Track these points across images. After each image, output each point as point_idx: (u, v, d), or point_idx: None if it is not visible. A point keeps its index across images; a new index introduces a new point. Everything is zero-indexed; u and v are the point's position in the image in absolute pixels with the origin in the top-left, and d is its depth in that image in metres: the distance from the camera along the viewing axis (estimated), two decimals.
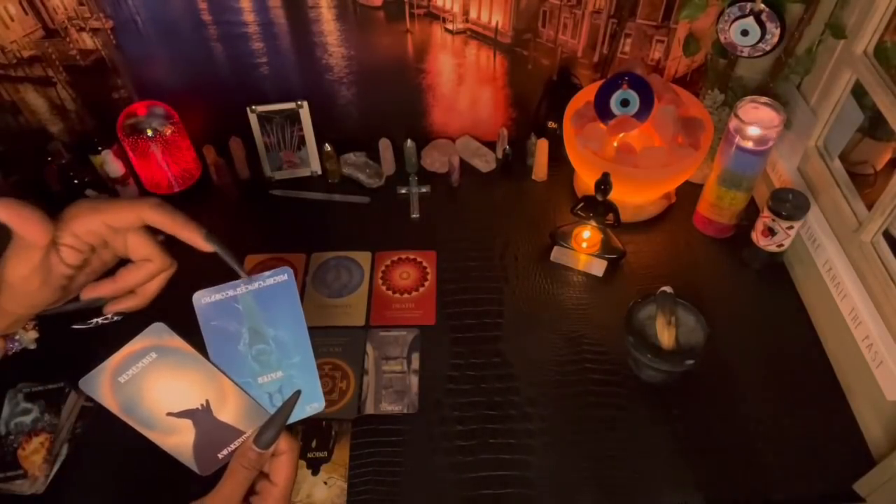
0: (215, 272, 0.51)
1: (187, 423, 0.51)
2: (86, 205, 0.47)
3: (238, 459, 0.50)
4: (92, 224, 0.47)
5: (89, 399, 0.87)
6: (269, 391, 0.53)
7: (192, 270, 0.53)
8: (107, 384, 0.48)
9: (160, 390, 0.50)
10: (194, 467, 0.52)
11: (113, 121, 1.06)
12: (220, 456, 0.52)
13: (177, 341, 0.49)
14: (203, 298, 0.50)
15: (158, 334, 0.49)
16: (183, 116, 1.09)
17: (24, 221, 0.44)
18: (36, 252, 0.45)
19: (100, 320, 0.88)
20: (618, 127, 1.00)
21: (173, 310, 0.51)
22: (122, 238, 0.50)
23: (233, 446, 0.52)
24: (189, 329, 0.50)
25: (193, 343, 0.50)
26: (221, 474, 0.51)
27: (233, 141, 1.12)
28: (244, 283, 0.51)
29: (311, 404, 0.54)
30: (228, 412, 0.52)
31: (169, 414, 0.50)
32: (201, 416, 0.51)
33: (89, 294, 0.51)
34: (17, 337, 0.55)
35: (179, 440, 0.51)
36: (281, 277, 0.52)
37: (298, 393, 0.52)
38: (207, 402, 0.51)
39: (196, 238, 0.49)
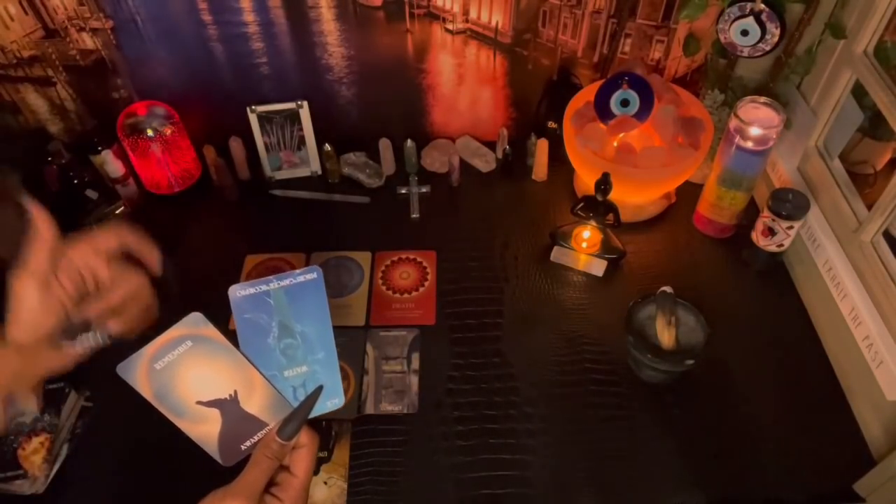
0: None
1: (215, 413, 0.53)
2: (75, 238, 0.57)
3: (261, 450, 0.52)
4: (81, 249, 0.55)
5: (89, 399, 0.87)
6: (294, 385, 0.55)
7: (226, 270, 0.57)
8: (143, 370, 0.51)
9: (192, 378, 0.52)
10: (218, 457, 0.53)
11: (113, 121, 1.06)
12: (242, 447, 0.54)
13: (212, 331, 0.52)
14: (238, 291, 0.53)
15: (195, 323, 0.51)
16: (183, 116, 1.09)
17: (41, 215, 0.53)
18: (44, 252, 0.53)
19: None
20: (618, 127, 1.00)
21: (210, 302, 0.53)
22: (103, 266, 0.57)
23: (255, 438, 0.54)
24: (222, 322, 0.53)
25: (226, 335, 0.52)
26: (241, 467, 0.52)
27: (233, 141, 1.12)
28: (276, 280, 0.54)
29: (332, 400, 0.56)
30: (255, 403, 0.54)
31: (199, 402, 0.52)
32: (229, 406, 0.53)
33: (81, 311, 0.56)
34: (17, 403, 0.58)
35: (206, 429, 0.53)
36: (310, 276, 0.54)
37: (321, 388, 0.55)
38: (236, 392, 0.53)
39: (152, 260, 0.59)
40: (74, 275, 0.56)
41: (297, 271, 0.54)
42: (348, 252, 1.05)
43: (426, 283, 1.00)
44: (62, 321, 0.55)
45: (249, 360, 0.53)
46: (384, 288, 1.00)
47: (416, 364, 0.91)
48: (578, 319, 0.95)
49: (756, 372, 0.89)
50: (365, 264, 1.03)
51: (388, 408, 0.86)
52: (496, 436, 0.83)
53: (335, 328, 0.93)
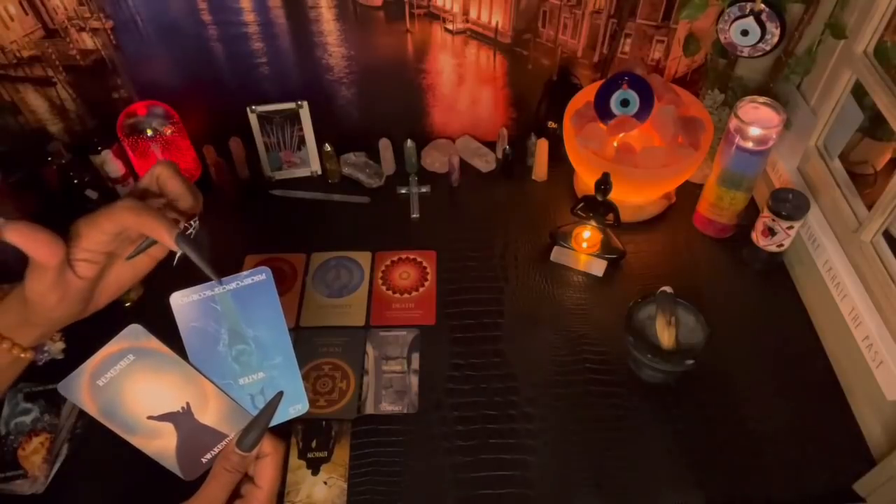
0: (193, 274, 0.51)
1: (169, 427, 0.50)
2: (83, 222, 0.49)
3: (221, 462, 0.50)
4: (97, 236, 0.49)
5: None
6: (251, 392, 0.52)
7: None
8: (85, 388, 0.48)
9: (139, 393, 0.50)
10: (178, 472, 0.51)
11: (113, 121, 1.06)
12: (203, 460, 0.52)
13: (154, 343, 0.49)
14: (181, 299, 0.50)
15: (135, 336, 0.49)
16: (183, 116, 1.09)
17: (34, 244, 0.46)
18: (49, 271, 0.47)
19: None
20: (618, 127, 1.00)
21: (150, 312, 0.51)
22: (135, 229, 0.50)
23: (216, 450, 0.52)
24: (167, 331, 0.50)
25: (172, 345, 0.50)
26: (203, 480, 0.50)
27: (233, 141, 1.12)
28: (223, 283, 0.51)
29: (295, 406, 0.54)
30: (210, 415, 0.51)
31: (150, 417, 0.50)
32: (183, 420, 0.50)
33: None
34: (45, 348, 0.55)
35: (162, 444, 0.51)
36: (259, 277, 0.51)
37: (281, 394, 0.52)
38: (188, 404, 0.51)
39: (166, 236, 0.49)
40: (96, 259, 0.50)
41: (244, 273, 0.51)
42: (348, 252, 1.05)
43: (426, 283, 1.00)
44: (86, 309, 0.52)
45: (199, 370, 0.50)
46: (384, 288, 1.00)
47: (416, 364, 0.91)
48: (578, 319, 0.95)
49: (756, 372, 0.89)
50: (365, 264, 1.03)
51: (388, 408, 0.86)
52: (496, 436, 0.83)
53: (336, 329, 0.95)
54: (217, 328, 0.51)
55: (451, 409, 0.86)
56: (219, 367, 0.51)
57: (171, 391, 0.50)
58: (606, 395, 0.87)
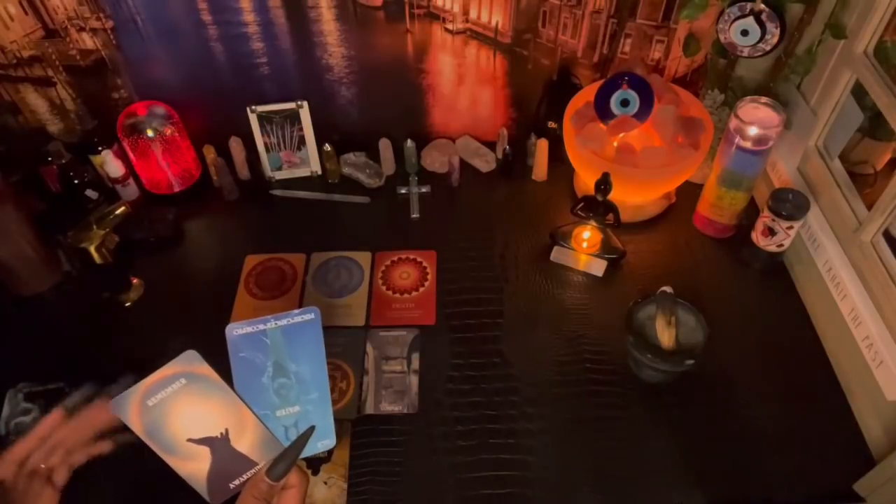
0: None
1: (205, 451, 0.53)
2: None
3: (249, 490, 0.52)
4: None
5: (88, 399, 0.86)
6: (286, 424, 0.55)
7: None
8: (136, 406, 0.51)
9: (184, 416, 0.52)
10: (206, 495, 0.53)
11: (113, 121, 1.06)
12: (231, 486, 0.54)
13: (206, 369, 0.51)
14: (235, 330, 0.52)
15: (190, 361, 0.51)
16: (183, 116, 1.09)
17: None
18: None
19: None
20: (618, 127, 1.00)
21: (205, 339, 0.53)
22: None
23: (244, 477, 0.54)
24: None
25: (220, 373, 0.52)
26: None
27: (233, 141, 1.12)
28: (274, 319, 0.53)
29: (323, 441, 0.56)
30: (245, 442, 0.53)
31: (189, 440, 0.52)
32: (219, 445, 0.53)
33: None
34: None
35: (196, 467, 0.53)
36: (308, 316, 0.54)
37: (312, 429, 0.54)
38: (227, 430, 0.53)
39: None
40: None
41: (295, 311, 0.54)
42: (348, 252, 1.05)
43: (426, 283, 1.00)
44: None
45: (242, 399, 0.53)
46: (384, 288, 1.00)
47: (416, 364, 0.91)
48: (578, 319, 0.95)
49: (756, 372, 0.89)
50: (365, 264, 1.03)
51: (388, 408, 0.86)
52: (496, 436, 0.83)
53: (336, 328, 0.95)
54: (264, 360, 0.53)
55: (451, 409, 0.86)
56: (260, 397, 0.54)
57: (214, 417, 0.52)
58: (606, 395, 0.87)
